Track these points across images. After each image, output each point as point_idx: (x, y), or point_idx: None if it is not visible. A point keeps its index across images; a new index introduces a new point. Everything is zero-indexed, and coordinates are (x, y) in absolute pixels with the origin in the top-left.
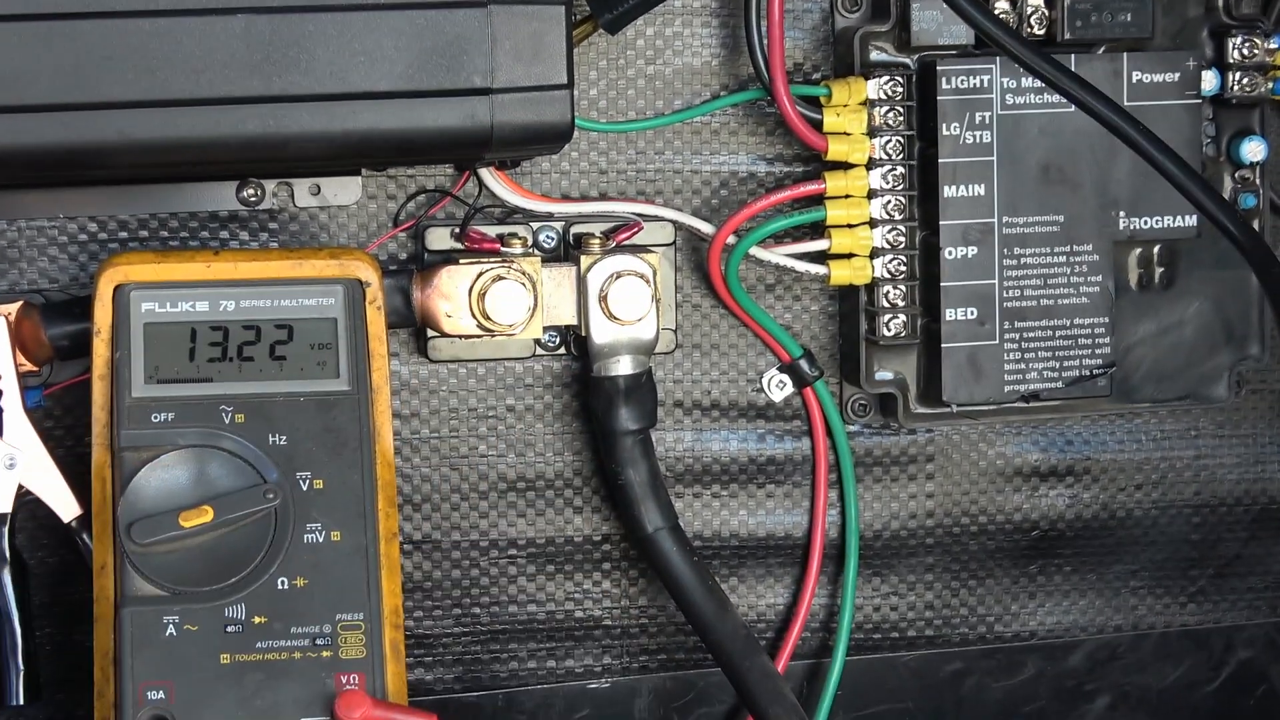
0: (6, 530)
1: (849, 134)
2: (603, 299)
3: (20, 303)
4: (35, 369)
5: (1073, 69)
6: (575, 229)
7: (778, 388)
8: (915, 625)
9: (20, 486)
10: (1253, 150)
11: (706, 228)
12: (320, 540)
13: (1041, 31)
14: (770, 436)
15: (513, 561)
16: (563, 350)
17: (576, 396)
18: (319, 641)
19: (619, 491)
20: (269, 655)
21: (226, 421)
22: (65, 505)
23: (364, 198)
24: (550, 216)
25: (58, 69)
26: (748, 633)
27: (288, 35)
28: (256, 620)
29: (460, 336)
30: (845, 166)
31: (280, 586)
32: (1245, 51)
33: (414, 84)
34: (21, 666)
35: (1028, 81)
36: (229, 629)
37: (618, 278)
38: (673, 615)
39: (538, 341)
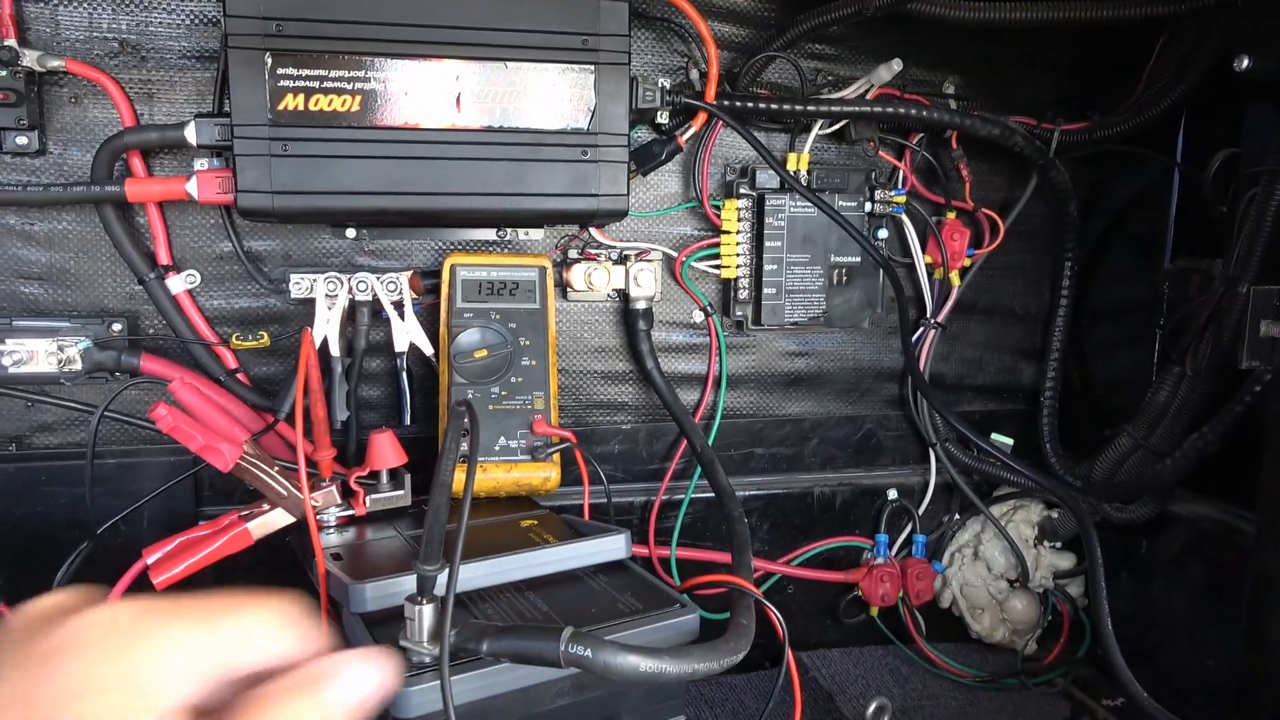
0: (406, 357)
1: (729, 219)
2: (634, 278)
3: (411, 271)
4: (416, 297)
5: (815, 196)
6: (625, 251)
7: (698, 315)
8: (744, 412)
9: (410, 343)
10: (882, 233)
11: (674, 253)
12: (528, 364)
13: (806, 181)
14: (695, 335)
15: (595, 381)
16: (619, 298)
17: (622, 316)
18: (526, 403)
19: (634, 353)
20: (507, 406)
21: (494, 318)
22: (427, 347)
23: (544, 235)
24: (614, 247)
25: (423, 179)
26: (685, 408)
27: (518, 170)
28: (503, 393)
29: (579, 291)
30: (727, 232)
31: (513, 380)
32: (881, 195)
33: (569, 190)
34: (409, 408)
35: (797, 201)
36: (492, 394)
37: (641, 270)
38: (655, 402)
39: (609, 294)
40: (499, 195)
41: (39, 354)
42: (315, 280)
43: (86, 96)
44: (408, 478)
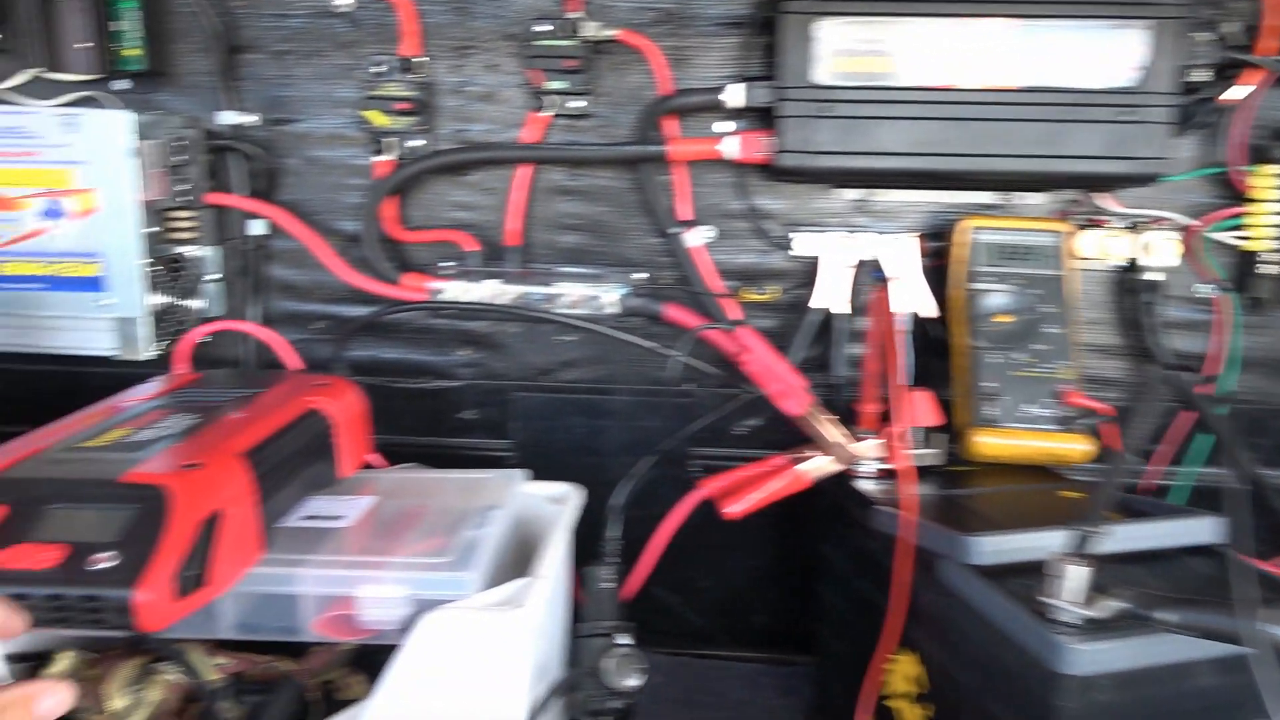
0: (906, 318)
1: (1259, 188)
2: (1150, 247)
3: (920, 233)
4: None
5: None
6: (1135, 220)
7: (1201, 288)
8: (1245, 397)
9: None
10: None
11: (1186, 220)
12: (1050, 331)
13: None
14: (1195, 310)
15: (1081, 353)
16: (1128, 267)
17: (1121, 286)
18: (1051, 371)
19: (1135, 326)
20: (1031, 374)
21: (1012, 283)
22: (932, 310)
23: (1047, 201)
24: (1128, 215)
25: (956, 139)
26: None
27: (1055, 131)
28: (1026, 359)
29: (1084, 259)
30: (1256, 200)
31: (1035, 347)
32: None
33: (1104, 153)
34: (913, 369)
35: None
36: (1013, 360)
37: (1162, 239)
38: (1140, 379)
39: (1118, 264)
40: (1032, 157)
41: (581, 298)
42: (820, 238)
43: (627, 63)
44: (944, 438)
